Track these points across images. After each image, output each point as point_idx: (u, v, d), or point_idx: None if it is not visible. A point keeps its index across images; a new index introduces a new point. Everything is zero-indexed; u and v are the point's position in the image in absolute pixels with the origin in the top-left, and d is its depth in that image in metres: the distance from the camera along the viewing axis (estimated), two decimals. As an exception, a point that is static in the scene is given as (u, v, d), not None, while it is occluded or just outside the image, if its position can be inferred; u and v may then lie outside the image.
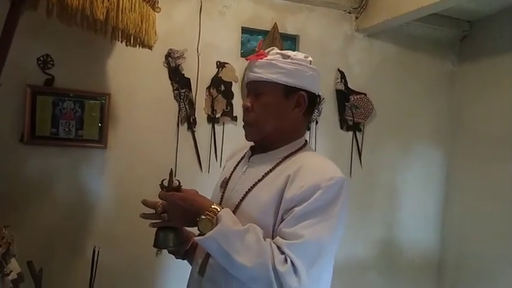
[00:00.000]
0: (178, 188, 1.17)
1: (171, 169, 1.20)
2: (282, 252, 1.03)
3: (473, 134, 2.94)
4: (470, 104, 2.98)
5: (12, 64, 1.71)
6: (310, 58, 1.25)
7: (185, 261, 1.37)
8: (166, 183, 1.17)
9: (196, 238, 1.09)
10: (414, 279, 3.07)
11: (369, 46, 2.92)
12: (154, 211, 1.16)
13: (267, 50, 1.26)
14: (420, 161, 3.08)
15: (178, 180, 1.18)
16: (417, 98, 3.04)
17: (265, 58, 1.21)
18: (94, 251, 1.65)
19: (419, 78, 3.04)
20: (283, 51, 1.23)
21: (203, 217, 1.08)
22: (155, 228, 1.20)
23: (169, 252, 1.32)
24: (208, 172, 2.53)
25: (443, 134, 3.11)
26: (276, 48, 1.27)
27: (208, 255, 1.20)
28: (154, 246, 1.20)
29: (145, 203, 1.17)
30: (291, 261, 1.01)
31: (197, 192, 1.19)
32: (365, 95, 2.88)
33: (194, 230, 1.15)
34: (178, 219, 1.16)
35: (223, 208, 1.11)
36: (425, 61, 3.05)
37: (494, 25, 2.83)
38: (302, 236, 1.03)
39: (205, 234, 1.05)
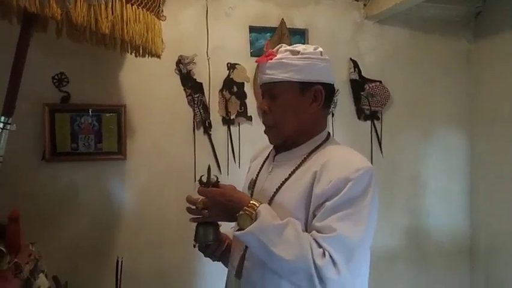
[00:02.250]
0: (216, 184, 1.19)
1: (209, 165, 1.22)
2: (320, 246, 1.03)
3: (493, 112, 2.85)
4: (488, 82, 2.89)
5: (28, 85, 1.76)
6: (320, 49, 1.22)
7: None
8: (204, 179, 1.18)
9: (235, 233, 1.10)
10: (446, 265, 3.00)
11: (380, 32, 2.87)
12: (194, 207, 1.18)
13: (275, 48, 1.24)
14: (442, 144, 3.01)
15: (215, 176, 1.20)
16: (434, 81, 2.97)
17: (275, 58, 1.20)
18: (118, 261, 1.68)
19: (434, 60, 2.97)
20: (291, 47, 1.21)
21: (242, 213, 1.09)
22: (187, 228, 1.21)
23: (205, 255, 1.32)
24: (228, 174, 2.54)
25: (462, 115, 3.03)
26: (284, 44, 1.25)
27: (243, 259, 1.21)
28: (195, 241, 1.21)
29: (188, 199, 1.19)
30: (329, 254, 1.02)
31: (235, 187, 1.20)
32: (380, 82, 2.84)
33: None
34: (218, 215, 1.18)
35: (261, 203, 1.12)
36: (439, 42, 2.98)
37: (510, -2, 2.73)
38: (336, 229, 1.03)
39: (244, 229, 1.06)
